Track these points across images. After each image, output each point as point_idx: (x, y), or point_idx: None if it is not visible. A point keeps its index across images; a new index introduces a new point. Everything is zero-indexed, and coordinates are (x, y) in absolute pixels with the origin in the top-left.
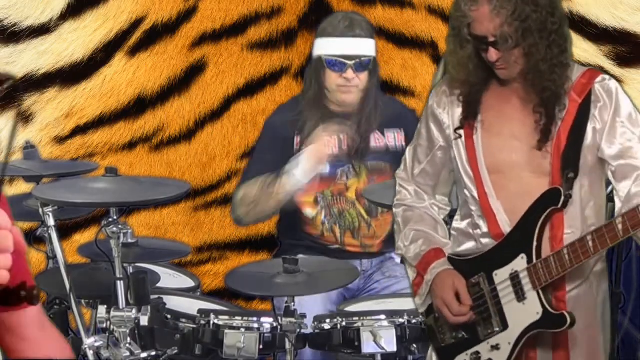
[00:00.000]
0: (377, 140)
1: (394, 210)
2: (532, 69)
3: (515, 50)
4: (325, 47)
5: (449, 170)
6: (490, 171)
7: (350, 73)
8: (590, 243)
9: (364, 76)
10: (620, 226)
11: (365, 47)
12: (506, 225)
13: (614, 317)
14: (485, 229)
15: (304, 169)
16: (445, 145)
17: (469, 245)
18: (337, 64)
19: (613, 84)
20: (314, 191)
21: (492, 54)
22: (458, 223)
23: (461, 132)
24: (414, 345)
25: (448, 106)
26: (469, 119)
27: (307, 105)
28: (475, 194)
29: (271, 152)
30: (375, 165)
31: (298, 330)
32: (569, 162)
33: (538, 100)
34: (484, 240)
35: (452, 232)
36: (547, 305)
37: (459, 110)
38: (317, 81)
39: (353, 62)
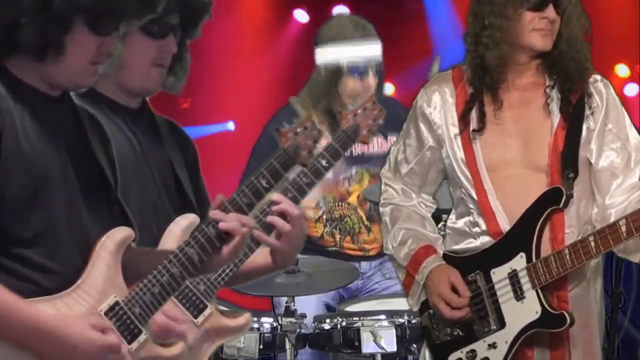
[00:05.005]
0: (380, 145)
1: (381, 209)
2: (567, 41)
3: (558, 18)
4: (344, 53)
5: (437, 170)
6: (488, 169)
7: (371, 77)
8: (593, 244)
9: (375, 78)
10: (623, 228)
11: (380, 49)
12: (505, 224)
13: (614, 317)
14: (484, 226)
15: None
16: (435, 145)
17: (465, 243)
18: (360, 68)
19: (604, 85)
20: (315, 196)
21: (551, 12)
22: (453, 222)
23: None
24: (414, 345)
25: (439, 105)
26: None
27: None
28: (473, 193)
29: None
30: (377, 171)
31: (298, 330)
32: (568, 161)
33: (551, 81)
34: (483, 238)
35: (448, 231)
36: (546, 305)
37: (452, 108)
38: (331, 89)
39: (375, 65)
